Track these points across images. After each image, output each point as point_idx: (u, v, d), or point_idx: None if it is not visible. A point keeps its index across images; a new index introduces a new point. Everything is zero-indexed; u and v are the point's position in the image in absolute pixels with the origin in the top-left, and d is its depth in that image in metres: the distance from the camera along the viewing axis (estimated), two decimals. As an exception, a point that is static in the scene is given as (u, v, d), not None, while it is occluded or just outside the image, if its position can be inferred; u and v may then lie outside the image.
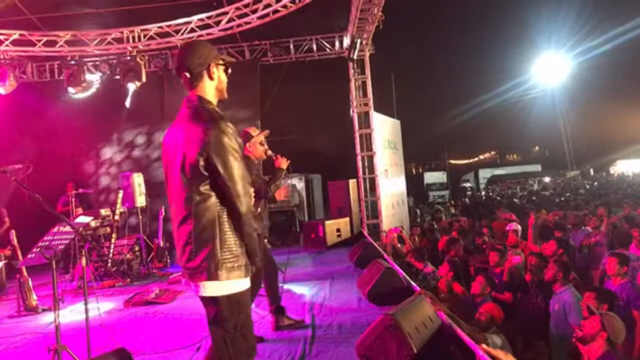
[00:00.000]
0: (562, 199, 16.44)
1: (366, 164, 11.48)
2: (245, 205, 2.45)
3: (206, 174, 2.41)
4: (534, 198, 17.60)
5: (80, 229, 4.35)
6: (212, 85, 2.59)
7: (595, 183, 24.69)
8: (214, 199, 2.44)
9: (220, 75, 2.62)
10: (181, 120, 2.55)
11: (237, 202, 2.43)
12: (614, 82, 30.93)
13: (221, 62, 2.63)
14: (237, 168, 2.42)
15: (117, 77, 10.85)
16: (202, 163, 2.39)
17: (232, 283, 2.48)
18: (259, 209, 4.49)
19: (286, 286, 7.07)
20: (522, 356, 4.62)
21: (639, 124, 31.48)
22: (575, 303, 4.58)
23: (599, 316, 3.56)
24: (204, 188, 2.43)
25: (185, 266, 2.51)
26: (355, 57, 10.89)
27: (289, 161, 4.71)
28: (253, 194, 2.60)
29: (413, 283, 5.68)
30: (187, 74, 2.56)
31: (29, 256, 4.05)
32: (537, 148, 54.22)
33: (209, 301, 2.52)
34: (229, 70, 2.69)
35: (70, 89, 10.82)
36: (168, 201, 2.61)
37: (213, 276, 2.43)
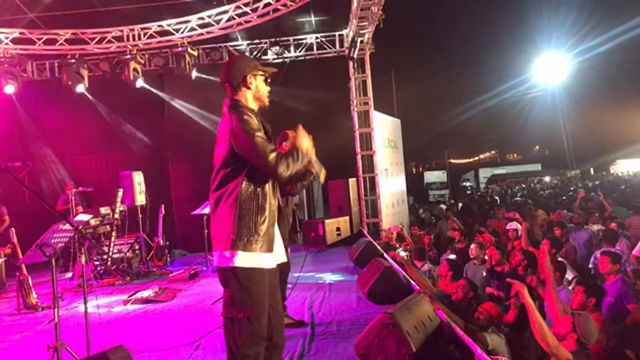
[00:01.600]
0: (564, 198, 16.43)
1: (366, 162, 11.47)
2: (272, 159, 2.64)
3: (234, 154, 2.68)
4: (528, 199, 17.58)
5: (80, 227, 4.35)
6: (250, 94, 2.87)
7: (597, 182, 24.68)
8: (239, 178, 2.69)
9: (258, 84, 2.89)
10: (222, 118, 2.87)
11: (260, 158, 2.65)
12: (614, 82, 30.97)
13: (260, 73, 2.89)
14: (256, 137, 2.66)
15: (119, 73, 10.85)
16: (232, 143, 2.68)
17: (248, 256, 2.65)
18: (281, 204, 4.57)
19: (286, 285, 7.08)
20: (521, 354, 4.62)
21: (639, 123, 31.46)
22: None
23: (570, 317, 3.60)
24: (231, 169, 2.71)
25: (211, 233, 2.80)
26: (355, 56, 10.88)
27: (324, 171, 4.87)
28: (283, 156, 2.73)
29: (413, 282, 5.69)
30: (229, 86, 2.87)
31: (29, 254, 4.05)
32: (537, 147, 54.22)
33: (222, 276, 2.71)
34: (269, 80, 2.95)
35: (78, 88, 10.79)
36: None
37: (229, 246, 2.65)
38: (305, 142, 2.83)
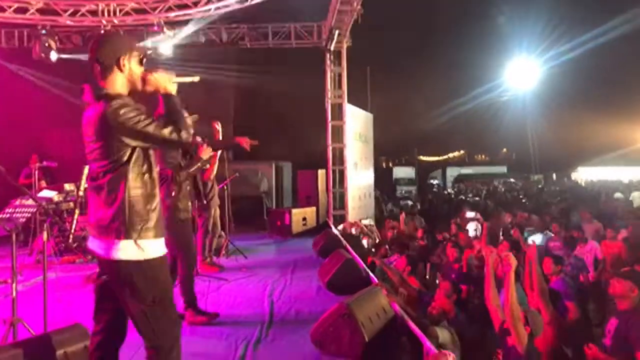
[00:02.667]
0: (524, 200, 16.98)
1: (337, 155, 11.60)
2: (168, 134, 2.57)
3: (117, 144, 2.53)
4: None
5: (44, 203, 4.32)
6: (122, 77, 2.66)
7: (557, 188, 25.52)
8: (124, 167, 2.55)
9: (132, 67, 2.68)
10: (90, 106, 2.69)
11: (164, 140, 2.59)
12: (581, 89, 31.95)
13: (135, 53, 2.68)
14: (142, 125, 2.53)
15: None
16: (109, 140, 2.53)
17: (145, 244, 2.55)
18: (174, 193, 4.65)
19: (248, 272, 7.17)
20: (476, 344, 4.83)
21: (601, 131, 32.57)
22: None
23: (523, 312, 3.83)
24: (115, 159, 2.55)
25: (93, 224, 2.61)
26: (332, 48, 10.95)
27: (213, 153, 4.94)
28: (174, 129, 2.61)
29: (372, 274, 5.85)
30: (97, 66, 2.63)
31: (-11, 228, 4.02)
32: (505, 150, 55.41)
33: (119, 268, 2.55)
34: (144, 60, 2.74)
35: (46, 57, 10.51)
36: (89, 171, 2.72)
37: (124, 235, 2.52)
38: (166, 81, 2.70)
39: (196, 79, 2.99)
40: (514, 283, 3.89)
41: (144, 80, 2.70)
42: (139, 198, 2.58)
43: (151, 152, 2.68)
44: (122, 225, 2.52)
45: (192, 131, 2.71)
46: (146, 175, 2.62)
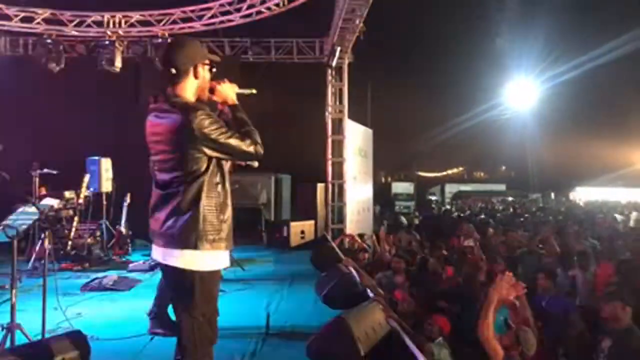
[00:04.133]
0: (522, 219, 17.00)
1: (336, 169, 11.67)
2: (247, 147, 2.63)
3: (197, 155, 2.54)
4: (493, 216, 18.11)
5: (46, 210, 4.37)
6: (195, 84, 2.67)
7: (559, 207, 25.56)
8: (200, 178, 2.56)
9: (205, 74, 2.70)
10: (161, 113, 2.63)
11: (244, 152, 2.64)
12: (579, 109, 32.09)
13: (207, 61, 2.71)
14: (225, 137, 2.57)
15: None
16: (190, 150, 2.52)
17: (210, 255, 2.58)
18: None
19: (245, 284, 7.19)
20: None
21: (599, 152, 32.71)
22: None
23: (514, 331, 3.84)
24: (192, 169, 2.55)
25: (162, 232, 2.59)
26: (334, 64, 11.08)
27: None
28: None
29: (369, 290, 5.87)
30: (173, 70, 2.61)
31: (-9, 234, 4.06)
32: (504, 168, 55.49)
33: (184, 277, 2.56)
34: (214, 69, 2.77)
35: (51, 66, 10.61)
36: (154, 183, 2.74)
37: (195, 245, 2.53)
38: (232, 92, 2.77)
39: (254, 91, 3.05)
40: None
41: (212, 89, 2.75)
42: (212, 208, 2.59)
43: (224, 162, 2.70)
44: (194, 235, 2.53)
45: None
46: (219, 186, 2.64)
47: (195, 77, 2.65)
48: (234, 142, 2.59)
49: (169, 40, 8.80)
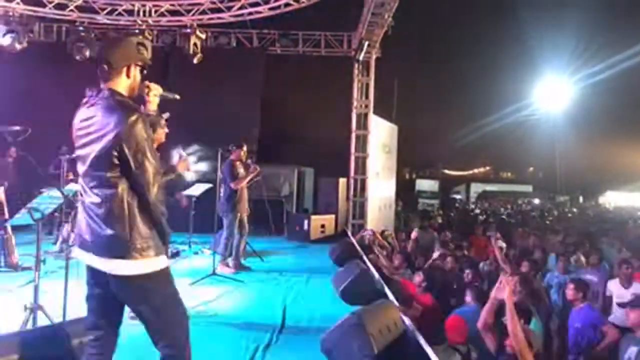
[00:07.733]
0: (548, 222, 16.68)
1: (359, 164, 11.62)
2: (153, 194, 2.56)
3: (117, 162, 2.49)
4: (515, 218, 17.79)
5: (70, 195, 4.46)
6: (127, 83, 2.71)
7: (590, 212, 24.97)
8: (124, 185, 2.52)
9: (136, 75, 2.75)
10: (94, 108, 2.62)
11: (146, 191, 2.54)
12: (612, 110, 31.18)
13: (140, 63, 2.74)
14: (148, 157, 2.53)
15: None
16: (114, 153, 2.48)
17: (146, 262, 2.54)
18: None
19: (264, 275, 7.23)
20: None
21: (632, 155, 31.77)
22: None
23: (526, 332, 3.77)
24: (114, 175, 2.51)
25: (93, 241, 2.56)
26: (361, 58, 11.00)
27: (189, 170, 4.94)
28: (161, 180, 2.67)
29: (387, 287, 5.83)
30: (106, 67, 2.65)
31: (17, 216, 4.16)
32: (531, 169, 54.52)
33: (125, 281, 2.54)
34: (145, 71, 2.81)
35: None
36: (80, 180, 2.70)
37: (126, 256, 2.50)
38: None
39: (177, 96, 3.34)
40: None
41: (148, 87, 2.93)
42: (140, 216, 2.55)
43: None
44: (124, 244, 2.49)
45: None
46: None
47: (128, 76, 2.69)
48: (150, 171, 2.54)
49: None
